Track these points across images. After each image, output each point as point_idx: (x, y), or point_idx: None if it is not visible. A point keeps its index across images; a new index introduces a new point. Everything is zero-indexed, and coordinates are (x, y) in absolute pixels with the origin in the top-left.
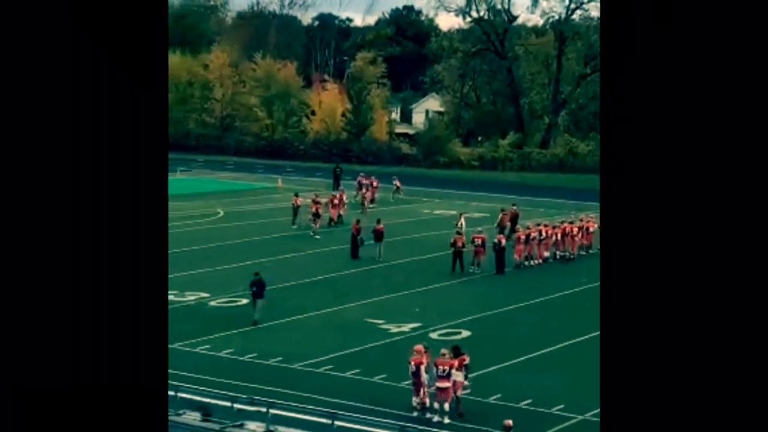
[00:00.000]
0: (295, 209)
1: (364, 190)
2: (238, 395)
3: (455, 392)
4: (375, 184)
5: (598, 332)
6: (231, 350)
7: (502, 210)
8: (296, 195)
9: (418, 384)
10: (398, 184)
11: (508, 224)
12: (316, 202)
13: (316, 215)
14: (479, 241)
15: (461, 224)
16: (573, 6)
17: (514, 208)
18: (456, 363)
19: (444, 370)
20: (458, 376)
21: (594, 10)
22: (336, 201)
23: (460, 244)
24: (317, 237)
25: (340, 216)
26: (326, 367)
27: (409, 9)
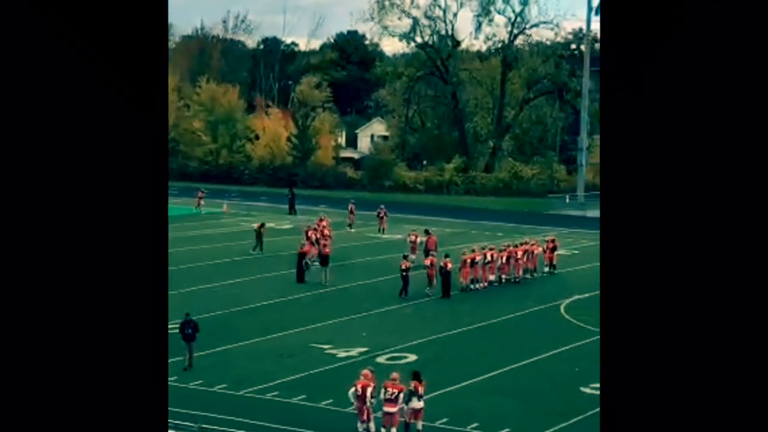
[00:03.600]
0: (259, 234)
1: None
2: (184, 423)
3: (417, 420)
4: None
5: (544, 355)
6: (175, 377)
7: (426, 232)
8: (262, 224)
9: (362, 409)
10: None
11: (434, 247)
12: (313, 229)
13: (313, 243)
14: (429, 264)
15: (415, 241)
16: (516, 31)
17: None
18: (404, 388)
19: (392, 394)
20: (419, 403)
21: (536, 35)
22: (327, 231)
23: (406, 266)
24: (316, 264)
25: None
26: (272, 394)
27: (353, 34)
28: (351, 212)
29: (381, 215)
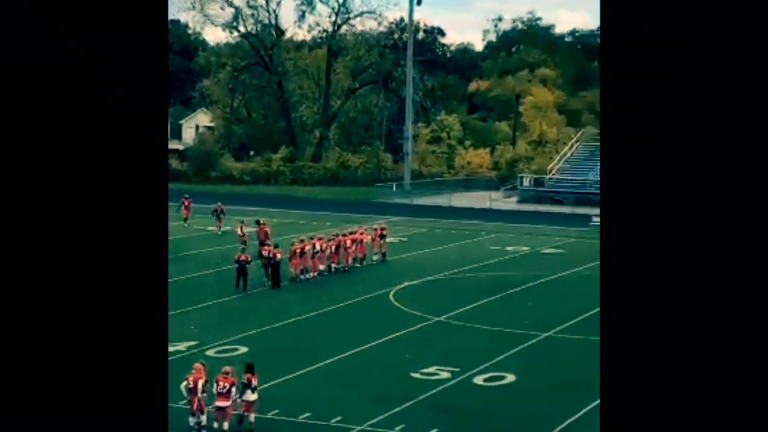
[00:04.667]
0: None
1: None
2: None
3: (249, 413)
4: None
5: (375, 342)
6: None
7: (257, 222)
8: None
9: (194, 402)
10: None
11: (266, 237)
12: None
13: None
14: (266, 253)
15: (242, 232)
16: (340, 21)
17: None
18: (236, 381)
19: (224, 387)
20: (253, 395)
21: (360, 25)
22: None
23: (243, 258)
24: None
25: None
26: None
27: (175, 23)
28: (186, 207)
29: (218, 213)
